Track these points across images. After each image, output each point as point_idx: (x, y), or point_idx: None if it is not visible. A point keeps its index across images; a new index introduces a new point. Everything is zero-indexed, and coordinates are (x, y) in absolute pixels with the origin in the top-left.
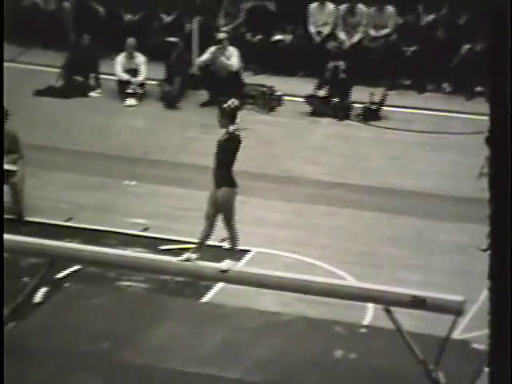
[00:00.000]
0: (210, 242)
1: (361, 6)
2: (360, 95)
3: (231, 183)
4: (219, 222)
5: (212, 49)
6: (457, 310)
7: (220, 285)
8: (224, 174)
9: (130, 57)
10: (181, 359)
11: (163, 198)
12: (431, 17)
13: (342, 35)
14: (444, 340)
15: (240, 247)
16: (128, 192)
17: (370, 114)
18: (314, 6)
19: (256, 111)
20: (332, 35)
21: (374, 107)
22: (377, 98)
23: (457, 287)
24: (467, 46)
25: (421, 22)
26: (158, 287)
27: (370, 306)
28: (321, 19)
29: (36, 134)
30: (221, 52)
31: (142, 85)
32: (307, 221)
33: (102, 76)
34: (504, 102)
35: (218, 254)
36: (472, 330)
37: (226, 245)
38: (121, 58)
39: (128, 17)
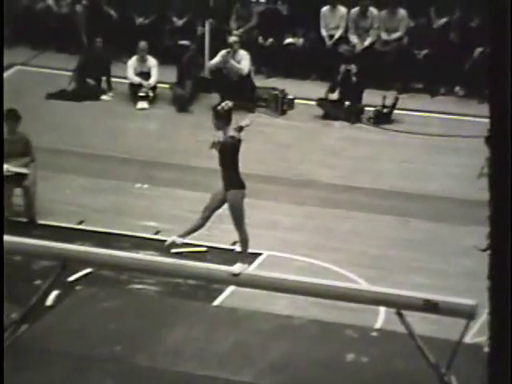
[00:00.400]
0: (222, 246)
1: (372, 10)
2: (372, 98)
3: (239, 185)
4: (230, 225)
5: (222, 52)
6: (469, 314)
7: (232, 288)
8: (230, 176)
9: (142, 60)
10: (193, 362)
11: (175, 200)
12: (443, 20)
13: (353, 38)
14: (456, 344)
15: (252, 250)
16: (140, 195)
17: (382, 118)
18: (325, 9)
19: (268, 114)
20: (344, 38)
21: (385, 110)
22: (389, 102)
23: (469, 291)
24: (480, 49)
25: (433, 25)
26: (169, 290)
27: (382, 309)
28: (332, 22)
29: (48, 137)
30: (231, 55)
31: (153, 88)
32: (319, 224)
33: (113, 79)
34: (504, 102)
35: (230, 257)
36: (484, 333)
37: (237, 248)
38: (132, 62)
39: (140, 20)
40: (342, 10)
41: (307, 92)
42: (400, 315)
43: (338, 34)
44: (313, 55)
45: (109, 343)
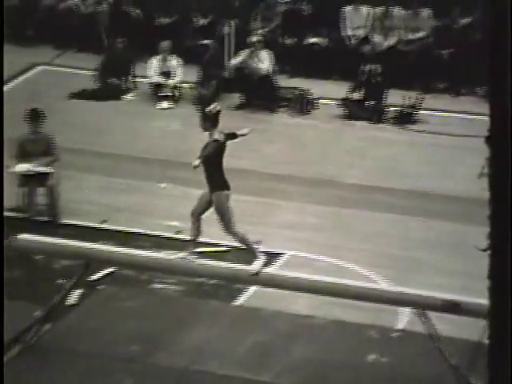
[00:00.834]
0: (238, 245)
1: (396, 9)
2: (395, 98)
3: (223, 186)
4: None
5: (245, 52)
6: None
7: (253, 288)
8: (214, 178)
9: (165, 59)
10: (213, 362)
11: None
12: (467, 20)
13: (377, 38)
14: (477, 345)
15: (274, 250)
16: (162, 194)
17: (405, 118)
18: (349, 9)
19: (291, 114)
20: (367, 38)
21: (408, 110)
22: (412, 102)
23: None
24: None
25: (456, 25)
26: (191, 289)
27: (404, 309)
28: (356, 22)
29: (71, 136)
30: (254, 55)
31: (176, 87)
32: (341, 224)
33: (136, 79)
34: (504, 102)
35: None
36: None
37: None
38: (155, 61)
39: (162, 20)
40: (366, 9)
41: (330, 92)
42: (421, 316)
43: (361, 33)
44: (336, 55)
45: (130, 342)
